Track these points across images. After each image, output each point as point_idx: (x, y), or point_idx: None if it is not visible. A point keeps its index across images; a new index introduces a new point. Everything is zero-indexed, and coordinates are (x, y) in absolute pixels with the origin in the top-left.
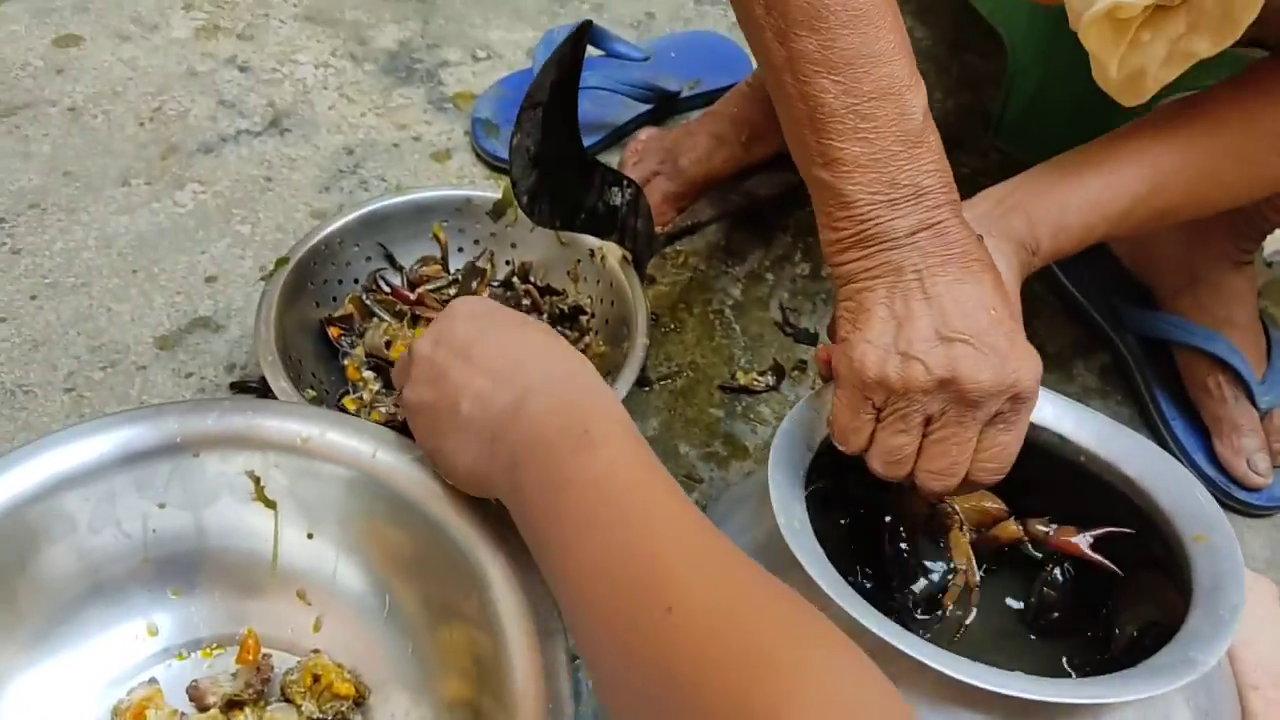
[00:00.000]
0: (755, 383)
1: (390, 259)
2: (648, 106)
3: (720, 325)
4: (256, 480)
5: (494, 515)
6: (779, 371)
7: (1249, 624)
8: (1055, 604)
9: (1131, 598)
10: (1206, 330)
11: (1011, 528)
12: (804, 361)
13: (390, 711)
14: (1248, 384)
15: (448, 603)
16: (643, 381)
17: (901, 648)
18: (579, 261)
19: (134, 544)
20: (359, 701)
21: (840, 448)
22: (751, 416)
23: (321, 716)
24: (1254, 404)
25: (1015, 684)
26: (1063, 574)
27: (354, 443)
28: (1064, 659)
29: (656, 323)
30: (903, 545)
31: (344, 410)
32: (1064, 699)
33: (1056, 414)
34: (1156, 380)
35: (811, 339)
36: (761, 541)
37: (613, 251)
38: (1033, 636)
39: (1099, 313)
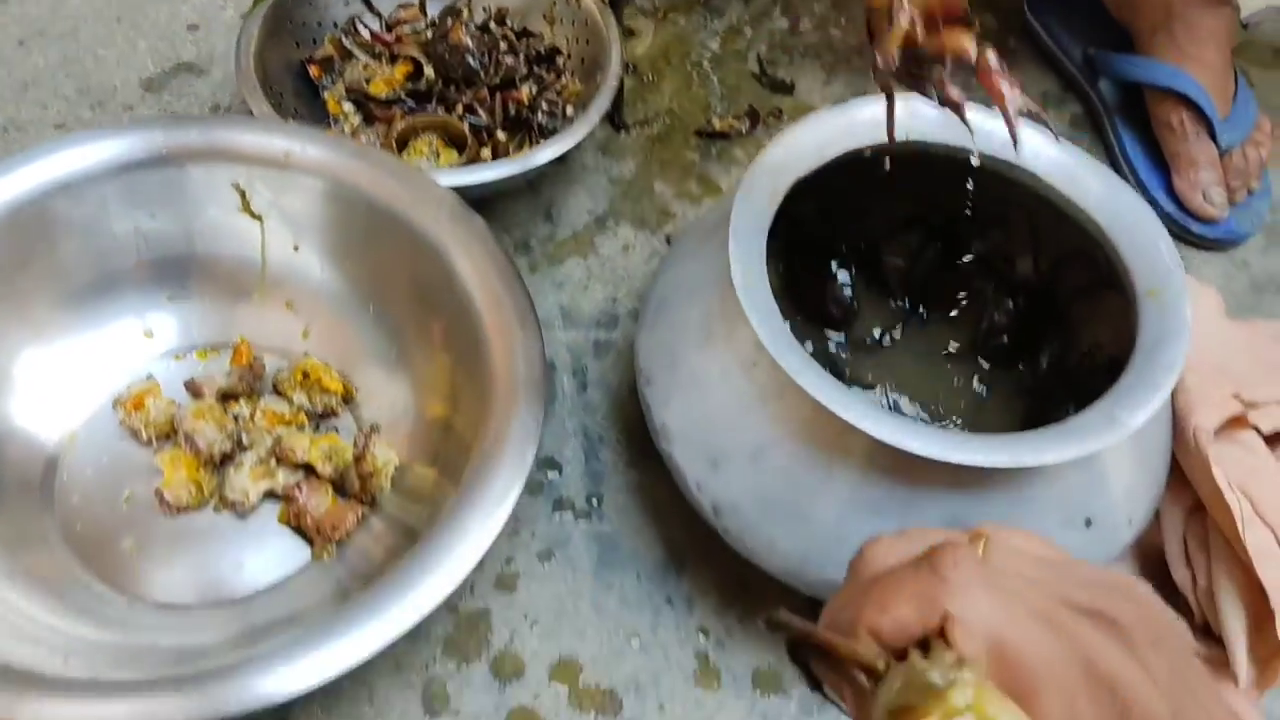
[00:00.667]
0: (731, 127)
1: (368, 3)
2: None
3: (698, 77)
4: (242, 193)
5: (463, 222)
6: (754, 116)
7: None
8: (1004, 329)
9: (1080, 334)
10: (1174, 68)
11: (963, 39)
12: (779, 110)
13: (375, 406)
14: (1210, 120)
15: (429, 304)
16: (620, 126)
17: (832, 408)
18: (554, 4)
19: (127, 247)
20: (347, 399)
21: None
22: (726, 158)
23: (311, 409)
24: (1215, 141)
25: (937, 446)
26: (1014, 305)
27: (335, 156)
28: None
29: (635, 73)
30: (849, 285)
31: None
32: (981, 462)
33: (1033, 150)
34: (1125, 126)
35: (788, 89)
36: (715, 277)
37: None
38: (982, 361)
39: (1073, 63)
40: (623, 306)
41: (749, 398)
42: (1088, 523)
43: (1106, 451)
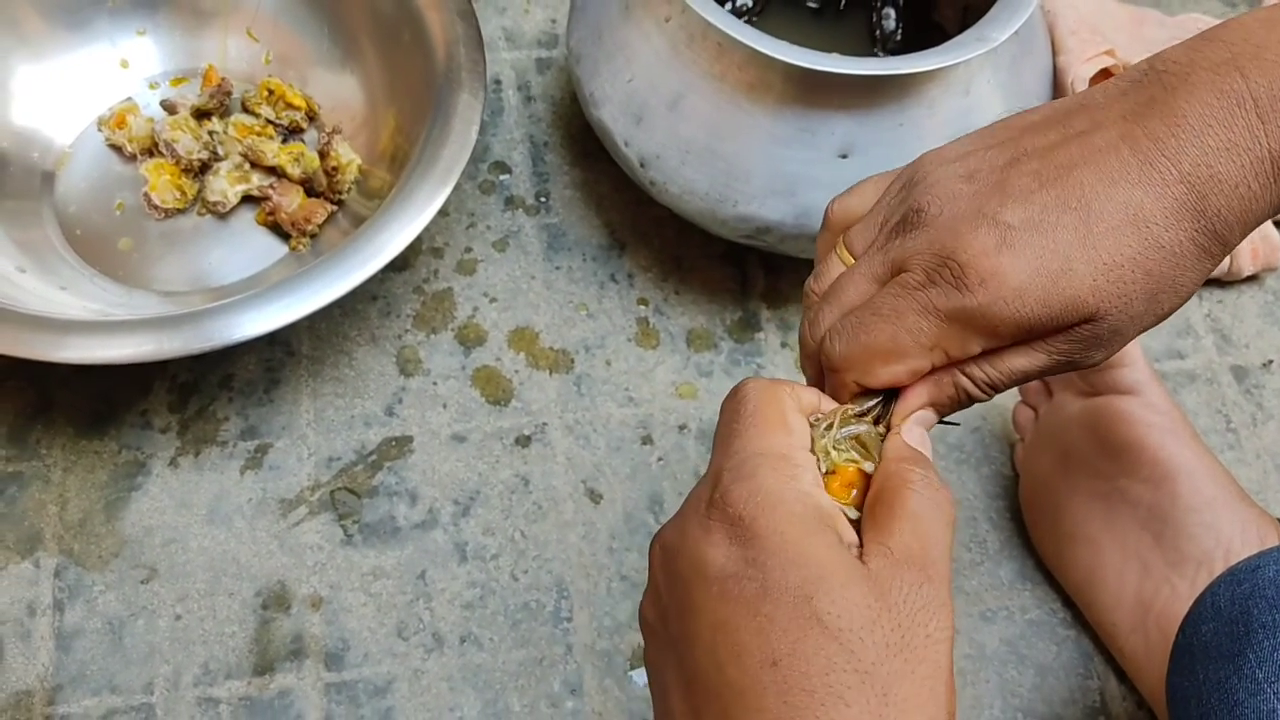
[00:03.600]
0: None
1: None
2: None
3: None
4: None
5: None
6: None
7: None
8: (895, 30)
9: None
10: None
11: None
12: None
13: (337, 120)
14: None
15: (379, 18)
16: None
17: (742, 39)
18: None
19: None
20: (311, 116)
21: None
22: None
23: (278, 122)
24: None
25: (838, 64)
26: (895, 9)
27: None
28: None
29: None
30: None
31: None
32: (879, 70)
33: None
34: None
35: None
36: None
37: None
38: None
39: None
40: (561, 27)
41: (665, 52)
42: None
43: (983, 83)
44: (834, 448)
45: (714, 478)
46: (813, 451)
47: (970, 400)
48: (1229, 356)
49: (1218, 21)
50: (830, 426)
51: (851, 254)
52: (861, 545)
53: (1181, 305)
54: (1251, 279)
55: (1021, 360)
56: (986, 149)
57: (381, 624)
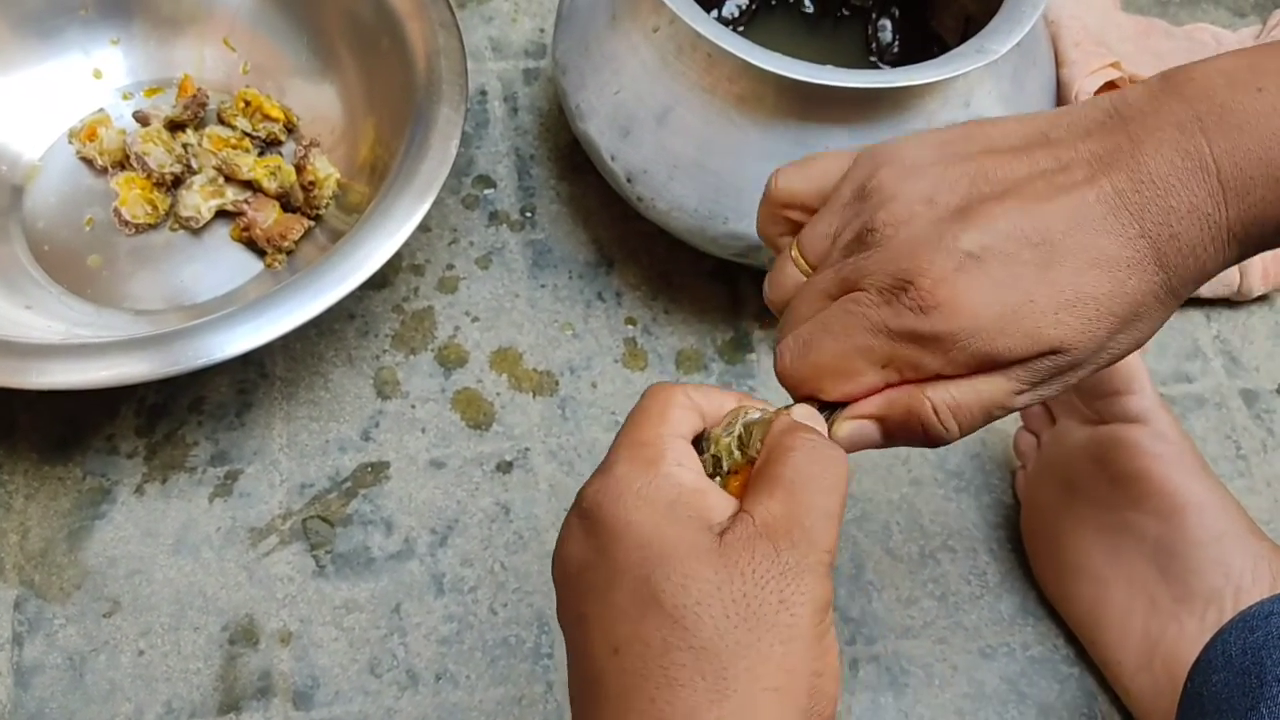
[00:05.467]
0: None
1: None
2: None
3: None
4: None
5: None
6: None
7: (1082, 6)
8: (892, 41)
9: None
10: None
11: None
12: None
13: (315, 133)
14: None
15: (359, 28)
16: None
17: (733, 50)
18: None
19: None
20: (290, 128)
21: None
22: None
23: (255, 135)
24: None
25: (831, 76)
26: (891, 19)
27: None
28: None
29: None
30: None
31: None
32: (873, 83)
33: None
34: None
35: None
36: None
37: None
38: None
39: None
40: (549, 37)
41: (653, 64)
42: None
43: (983, 96)
44: (736, 448)
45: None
46: (715, 454)
47: (925, 432)
48: (1239, 380)
49: (1226, 32)
50: (729, 426)
51: (805, 260)
52: None
53: (1137, 349)
54: (1261, 299)
55: (982, 385)
56: (946, 165)
57: (353, 660)
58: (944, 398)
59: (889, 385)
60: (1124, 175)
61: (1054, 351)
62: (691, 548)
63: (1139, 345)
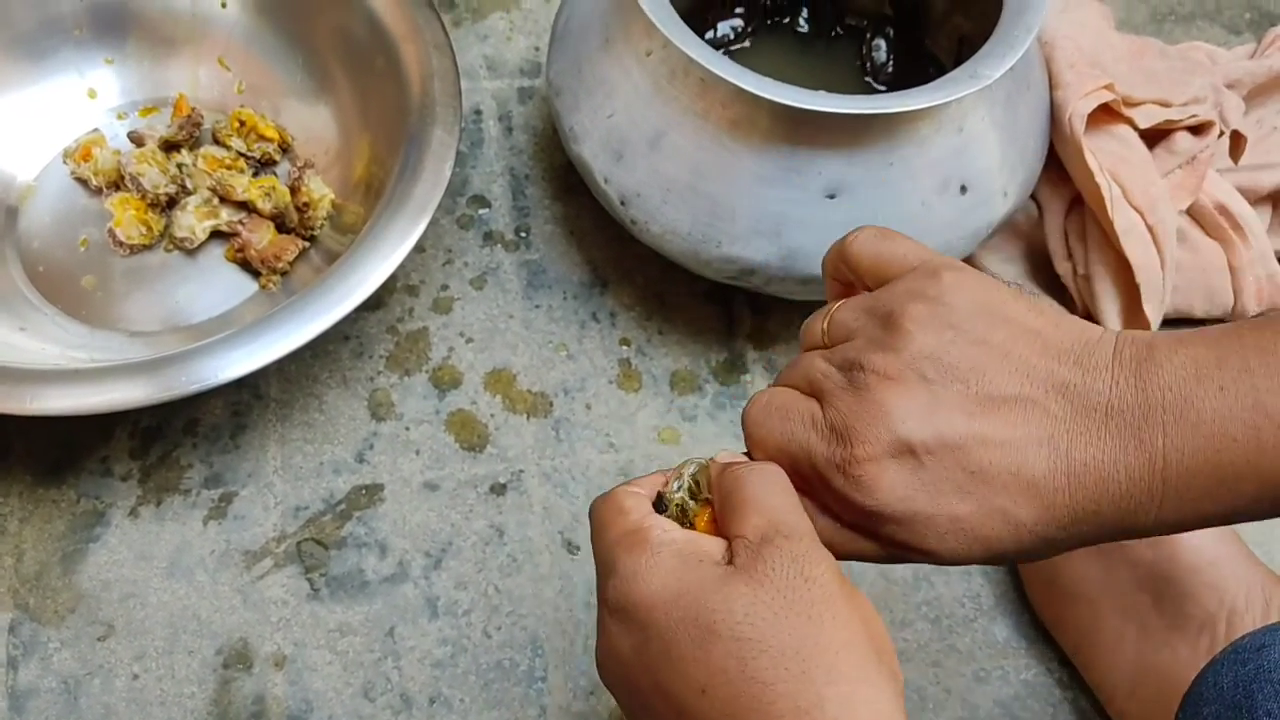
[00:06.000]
0: None
1: None
2: None
3: None
4: None
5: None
6: None
7: (1075, 27)
8: (886, 61)
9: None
10: None
11: None
12: None
13: (310, 154)
14: None
15: (353, 48)
16: None
17: (725, 76)
18: None
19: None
20: (284, 148)
21: None
22: None
23: (250, 155)
24: None
25: (824, 102)
26: (886, 40)
27: None
28: None
29: None
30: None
31: None
32: (867, 109)
33: None
34: None
35: None
36: None
37: None
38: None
39: None
40: (544, 56)
41: (646, 88)
42: (963, 189)
43: (976, 121)
44: (689, 496)
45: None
46: (678, 505)
47: None
48: None
49: (1221, 50)
50: (678, 478)
51: (828, 332)
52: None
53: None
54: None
55: (857, 542)
56: (965, 344)
57: (347, 684)
58: (824, 530)
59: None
60: (1081, 446)
61: (926, 554)
62: (716, 581)
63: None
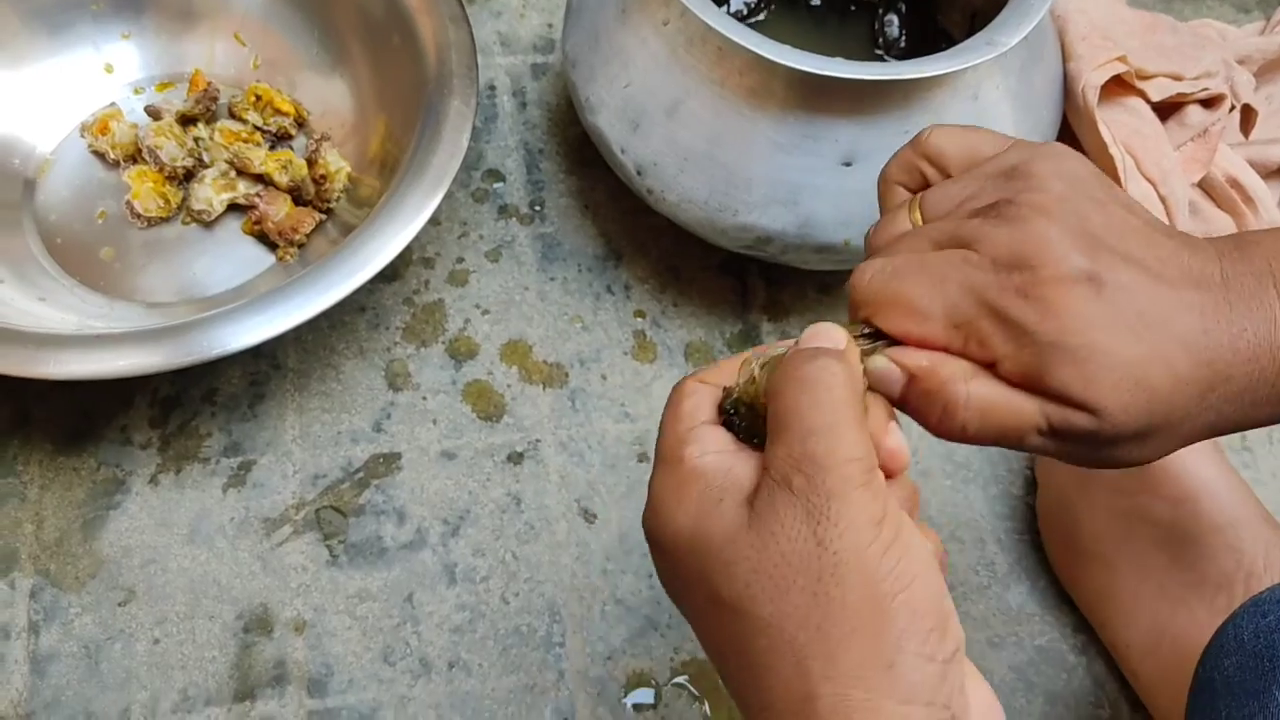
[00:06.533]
0: None
1: None
2: None
3: None
4: None
5: None
6: None
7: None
8: (899, 36)
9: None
10: None
11: None
12: None
13: (326, 127)
14: None
15: (370, 22)
16: None
17: (742, 42)
18: None
19: None
20: (300, 122)
21: None
22: None
23: (266, 129)
24: None
25: (842, 68)
26: (898, 15)
27: None
28: None
29: None
30: None
31: None
32: (884, 75)
33: None
34: None
35: None
36: None
37: None
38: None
39: None
40: (558, 32)
41: (663, 57)
42: None
43: (991, 89)
44: (758, 394)
45: None
46: (744, 403)
47: (940, 417)
48: None
49: (1231, 28)
50: (748, 371)
51: (924, 218)
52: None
53: (1153, 460)
54: None
55: (1017, 403)
56: (1100, 195)
57: (367, 649)
58: (981, 395)
59: (942, 348)
60: (1211, 309)
61: (1090, 410)
62: (725, 533)
63: (1139, 461)
